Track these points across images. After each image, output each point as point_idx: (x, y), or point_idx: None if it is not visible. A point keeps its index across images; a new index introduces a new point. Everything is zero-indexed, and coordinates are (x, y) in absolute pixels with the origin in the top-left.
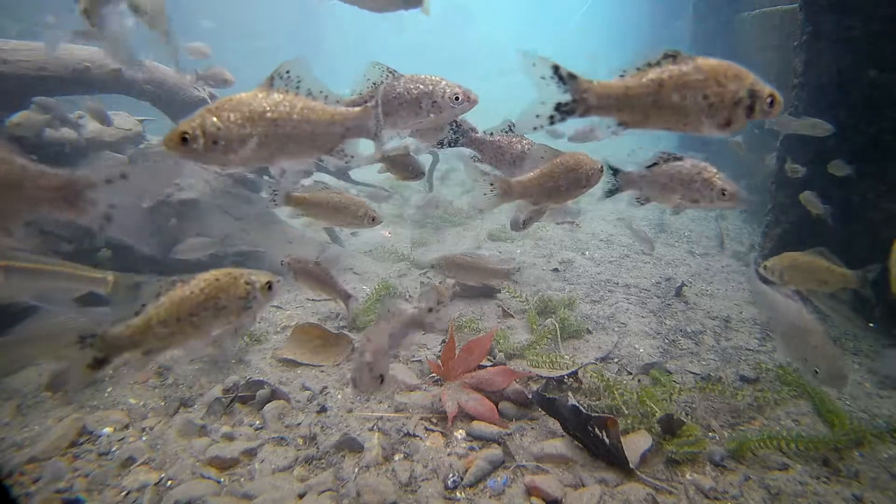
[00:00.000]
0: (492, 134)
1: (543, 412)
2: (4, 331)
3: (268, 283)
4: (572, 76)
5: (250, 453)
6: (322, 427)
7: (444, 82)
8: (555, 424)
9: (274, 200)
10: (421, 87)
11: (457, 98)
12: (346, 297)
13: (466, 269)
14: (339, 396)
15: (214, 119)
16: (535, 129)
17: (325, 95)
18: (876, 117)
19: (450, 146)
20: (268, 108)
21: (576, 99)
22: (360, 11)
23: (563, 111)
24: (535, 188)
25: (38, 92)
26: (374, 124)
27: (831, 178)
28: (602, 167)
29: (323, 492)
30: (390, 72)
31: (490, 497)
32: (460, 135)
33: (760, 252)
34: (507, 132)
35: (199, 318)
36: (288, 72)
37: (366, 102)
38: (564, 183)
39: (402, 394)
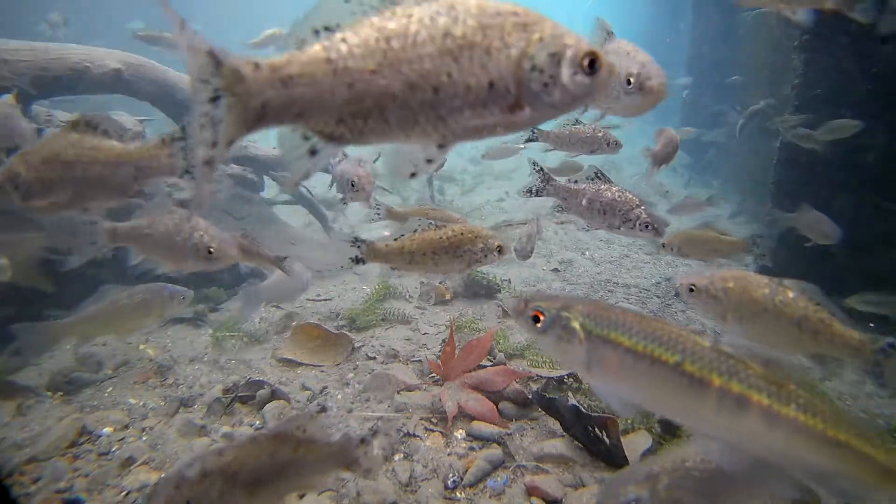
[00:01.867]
0: (576, 182)
1: (543, 412)
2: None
3: (499, 246)
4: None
5: None
6: (322, 427)
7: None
8: (555, 424)
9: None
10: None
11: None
12: (279, 262)
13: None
14: (339, 396)
15: (20, 163)
16: None
17: (121, 134)
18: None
19: (537, 195)
20: (61, 151)
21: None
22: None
23: None
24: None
25: (39, 92)
26: (173, 162)
27: (831, 179)
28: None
29: (323, 492)
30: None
31: (490, 497)
32: (546, 182)
33: (761, 252)
34: (592, 179)
35: (439, 257)
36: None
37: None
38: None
39: (402, 394)
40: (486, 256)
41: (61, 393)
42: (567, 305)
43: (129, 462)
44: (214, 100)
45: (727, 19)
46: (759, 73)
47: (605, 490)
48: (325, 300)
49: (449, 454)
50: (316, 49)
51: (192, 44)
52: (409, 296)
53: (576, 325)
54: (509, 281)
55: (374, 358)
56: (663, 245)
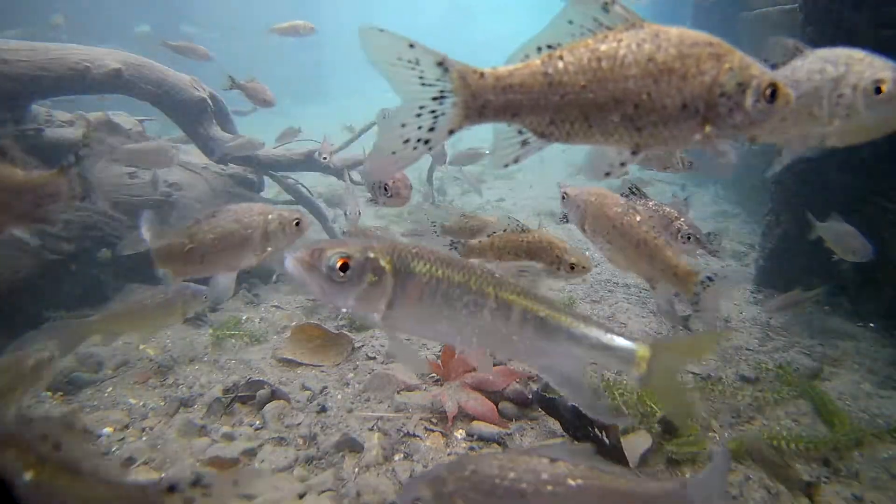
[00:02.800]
0: None
1: (543, 412)
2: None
3: (572, 264)
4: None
5: (250, 453)
6: (322, 427)
7: None
8: (555, 424)
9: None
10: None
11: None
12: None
13: None
14: (339, 396)
15: None
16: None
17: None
18: None
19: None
20: None
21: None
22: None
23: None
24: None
25: (39, 92)
26: (72, 188)
27: (830, 181)
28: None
29: (323, 492)
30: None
31: None
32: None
33: (761, 252)
34: (627, 196)
35: (518, 257)
36: None
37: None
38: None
39: (402, 394)
40: (558, 268)
41: (61, 393)
42: (369, 247)
43: (129, 462)
44: (439, 98)
45: (727, 20)
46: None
47: (403, 488)
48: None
49: (449, 454)
50: (536, 64)
51: (419, 53)
52: None
53: (384, 264)
54: None
55: (374, 358)
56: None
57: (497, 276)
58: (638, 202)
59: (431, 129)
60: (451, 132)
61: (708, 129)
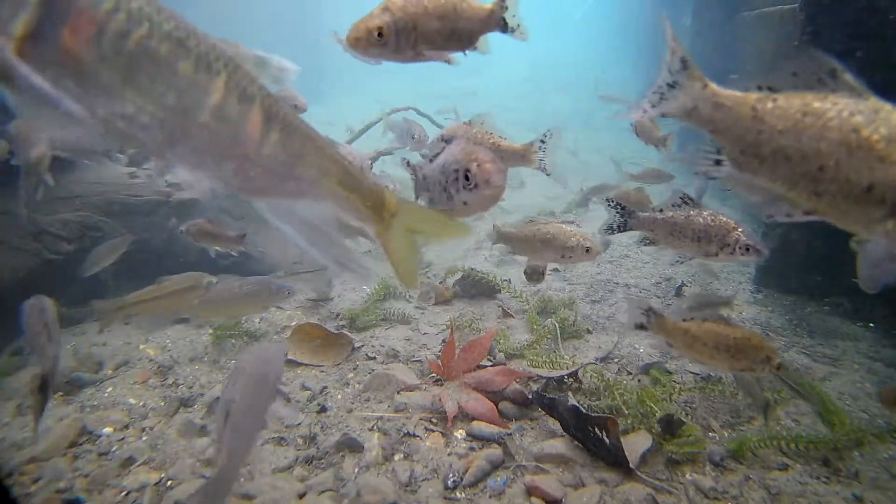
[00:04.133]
0: (661, 210)
1: (543, 412)
2: None
3: (587, 247)
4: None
5: None
6: (322, 427)
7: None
8: (555, 424)
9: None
10: None
11: None
12: (239, 239)
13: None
14: (339, 396)
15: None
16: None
17: None
18: None
19: (619, 230)
20: None
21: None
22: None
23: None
24: None
25: None
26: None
27: None
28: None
29: (323, 492)
30: None
31: (490, 497)
32: (627, 216)
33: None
34: (679, 206)
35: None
36: None
37: None
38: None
39: (402, 394)
40: (573, 252)
41: (61, 393)
42: None
43: (129, 462)
44: (671, 85)
45: (727, 20)
46: (758, 73)
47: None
48: (326, 300)
49: (449, 454)
50: (750, 96)
51: (673, 47)
52: (409, 296)
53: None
54: (509, 281)
55: (374, 358)
56: (607, 200)
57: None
58: (692, 211)
59: (653, 106)
60: (663, 115)
61: (892, 224)
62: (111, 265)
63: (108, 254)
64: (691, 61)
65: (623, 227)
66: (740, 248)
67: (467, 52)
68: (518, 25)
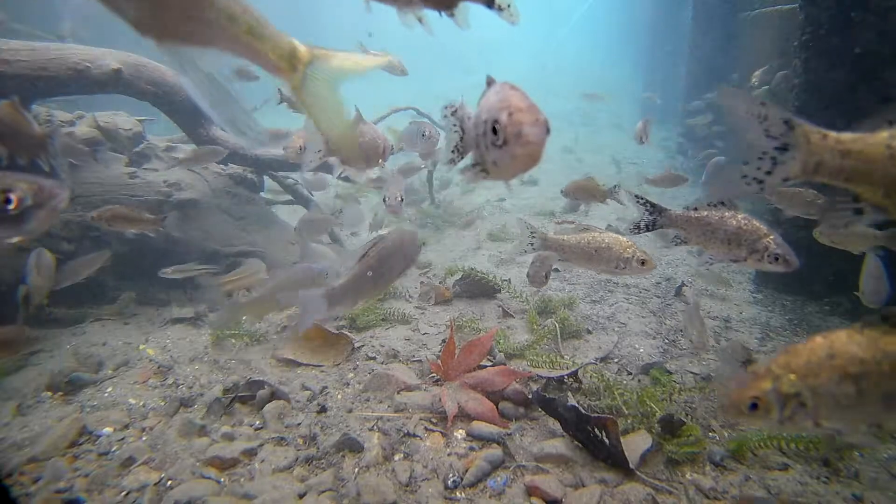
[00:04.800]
0: (696, 209)
1: (543, 412)
2: None
3: (642, 259)
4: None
5: (250, 453)
6: (322, 427)
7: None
8: (555, 424)
9: (532, 244)
10: None
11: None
12: (157, 222)
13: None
14: (339, 396)
15: None
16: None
17: None
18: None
19: (647, 229)
20: None
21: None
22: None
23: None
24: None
25: (39, 92)
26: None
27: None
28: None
29: (323, 492)
30: None
31: (490, 497)
32: (657, 214)
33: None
34: (715, 206)
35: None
36: None
37: None
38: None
39: (402, 394)
40: (628, 264)
41: (61, 393)
42: None
43: (129, 462)
44: (782, 148)
45: (727, 21)
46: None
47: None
48: None
49: (449, 454)
50: (882, 136)
51: (761, 112)
52: (409, 296)
53: None
54: (509, 281)
55: (374, 358)
56: (563, 190)
57: None
58: (727, 213)
59: (768, 173)
60: (786, 180)
61: None
62: (111, 265)
63: (82, 268)
64: (796, 118)
65: (652, 226)
66: (769, 256)
67: (444, 14)
68: (508, 5)
